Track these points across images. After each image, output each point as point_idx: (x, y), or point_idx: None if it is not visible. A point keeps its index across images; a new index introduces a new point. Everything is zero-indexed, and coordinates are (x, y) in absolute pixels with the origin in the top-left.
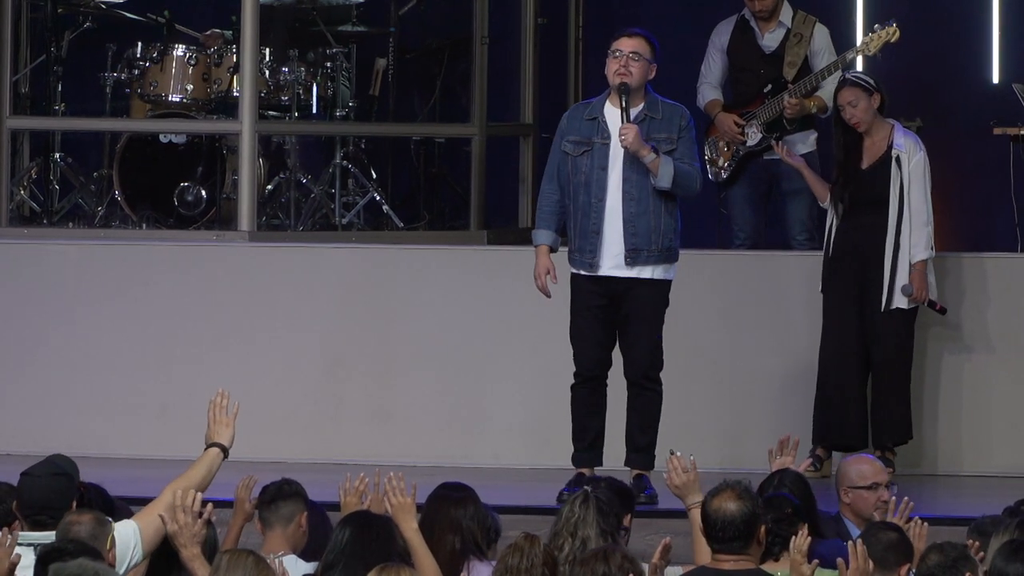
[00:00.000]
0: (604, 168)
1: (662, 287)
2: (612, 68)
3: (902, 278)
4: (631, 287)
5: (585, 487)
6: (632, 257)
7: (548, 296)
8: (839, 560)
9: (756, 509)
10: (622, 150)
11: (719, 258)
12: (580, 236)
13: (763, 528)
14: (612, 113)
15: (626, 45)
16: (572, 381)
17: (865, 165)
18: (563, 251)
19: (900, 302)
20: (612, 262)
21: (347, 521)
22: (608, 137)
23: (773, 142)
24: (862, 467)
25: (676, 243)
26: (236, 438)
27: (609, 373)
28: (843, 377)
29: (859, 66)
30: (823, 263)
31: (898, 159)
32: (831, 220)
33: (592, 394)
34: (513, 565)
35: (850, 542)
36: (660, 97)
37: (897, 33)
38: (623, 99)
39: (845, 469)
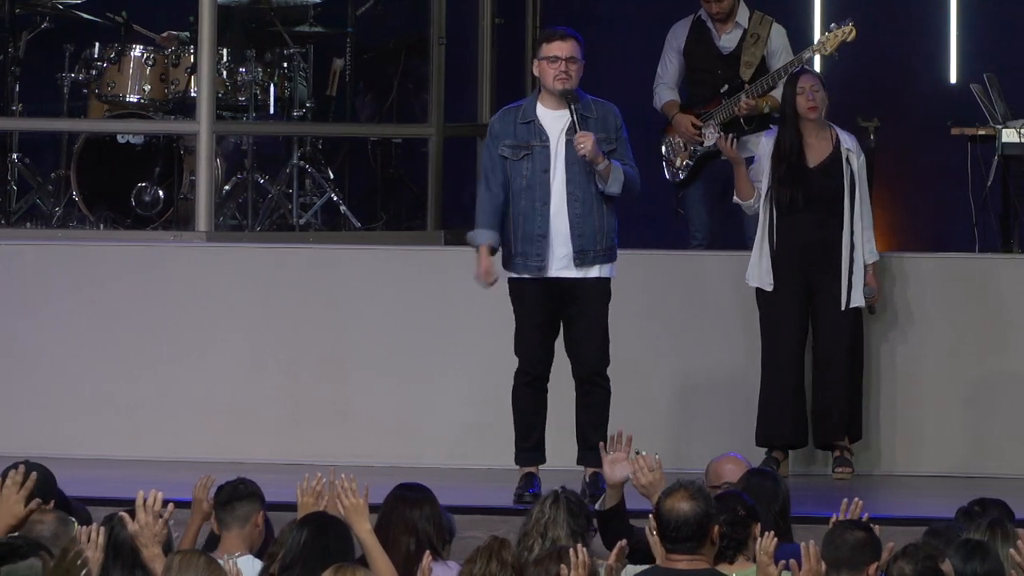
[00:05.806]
0: (546, 171)
1: (606, 284)
2: (550, 73)
3: (859, 277)
4: (577, 286)
5: (555, 488)
6: (580, 258)
7: (492, 283)
8: (791, 561)
9: (709, 509)
10: (563, 152)
11: (675, 258)
12: (523, 240)
13: (716, 528)
14: (546, 115)
15: (562, 50)
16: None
17: (813, 164)
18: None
19: (858, 301)
20: (560, 264)
21: (304, 522)
22: (547, 140)
23: (718, 133)
24: (722, 467)
25: (616, 241)
26: (196, 438)
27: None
28: (791, 376)
29: (816, 66)
30: (760, 261)
31: (847, 158)
32: (768, 217)
33: (537, 392)
34: (481, 568)
35: (803, 543)
36: (590, 96)
37: (854, 32)
38: (571, 106)
39: (710, 468)
